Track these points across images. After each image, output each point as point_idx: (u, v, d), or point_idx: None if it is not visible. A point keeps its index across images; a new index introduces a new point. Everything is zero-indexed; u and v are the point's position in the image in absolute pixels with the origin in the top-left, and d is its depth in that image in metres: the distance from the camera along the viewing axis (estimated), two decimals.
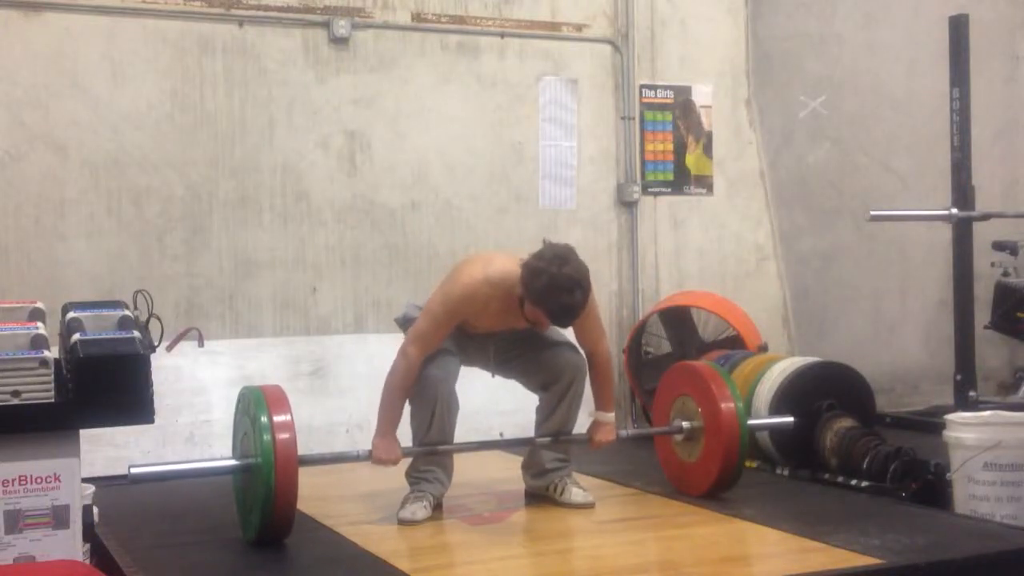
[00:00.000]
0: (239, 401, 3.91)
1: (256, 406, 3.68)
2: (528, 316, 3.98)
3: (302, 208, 5.76)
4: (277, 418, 3.63)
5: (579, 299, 3.82)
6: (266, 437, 3.59)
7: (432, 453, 4.16)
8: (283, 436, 3.60)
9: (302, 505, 4.28)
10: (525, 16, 6.23)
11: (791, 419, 4.61)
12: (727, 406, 4.20)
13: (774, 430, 4.82)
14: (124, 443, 5.04)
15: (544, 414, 4.32)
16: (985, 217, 6.08)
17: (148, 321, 3.25)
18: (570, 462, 4.38)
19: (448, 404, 4.12)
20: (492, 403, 5.38)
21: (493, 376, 4.37)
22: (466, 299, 3.99)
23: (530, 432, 4.37)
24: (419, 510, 4.03)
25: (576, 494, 4.27)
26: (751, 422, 4.38)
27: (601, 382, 4.30)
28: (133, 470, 3.66)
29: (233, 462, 3.87)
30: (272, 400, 3.70)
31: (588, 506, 4.24)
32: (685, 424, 4.35)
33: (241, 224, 5.65)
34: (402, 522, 3.99)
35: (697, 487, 4.32)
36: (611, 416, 4.33)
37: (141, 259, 5.46)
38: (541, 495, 4.33)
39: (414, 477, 4.20)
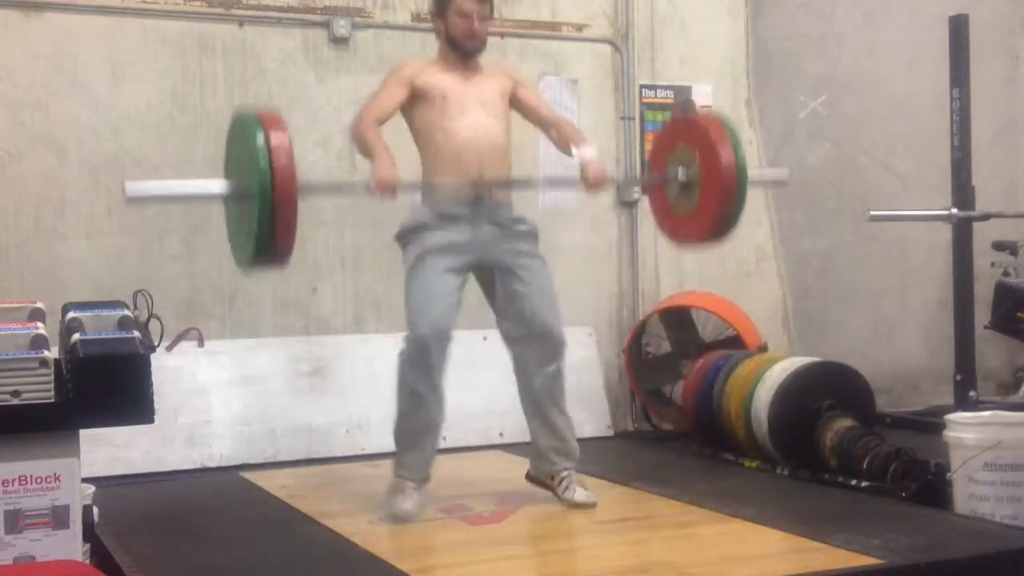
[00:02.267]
0: (231, 127, 3.79)
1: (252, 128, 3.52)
2: (452, 28, 4.13)
3: (302, 208, 5.72)
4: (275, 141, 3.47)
5: None
6: (262, 162, 3.43)
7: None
8: (281, 161, 3.45)
9: (302, 505, 4.31)
10: (525, 16, 6.23)
11: (786, 170, 4.43)
12: (727, 156, 3.99)
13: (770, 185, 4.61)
14: (124, 443, 5.04)
15: (525, 394, 4.28)
16: (985, 217, 6.08)
17: (148, 321, 3.25)
18: (574, 454, 4.36)
19: (437, 429, 4.12)
20: (492, 403, 5.38)
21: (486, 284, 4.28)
22: (403, 64, 4.18)
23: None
24: (404, 501, 4.04)
25: (579, 493, 4.27)
26: (750, 173, 4.14)
27: (557, 122, 4.32)
28: (129, 189, 3.54)
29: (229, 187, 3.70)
30: (269, 123, 3.53)
31: (589, 505, 4.23)
32: (681, 174, 4.13)
33: None
34: (394, 518, 4.00)
35: (689, 237, 4.27)
36: (591, 150, 4.23)
37: (141, 259, 5.46)
38: (541, 489, 4.32)
39: (398, 467, 4.18)
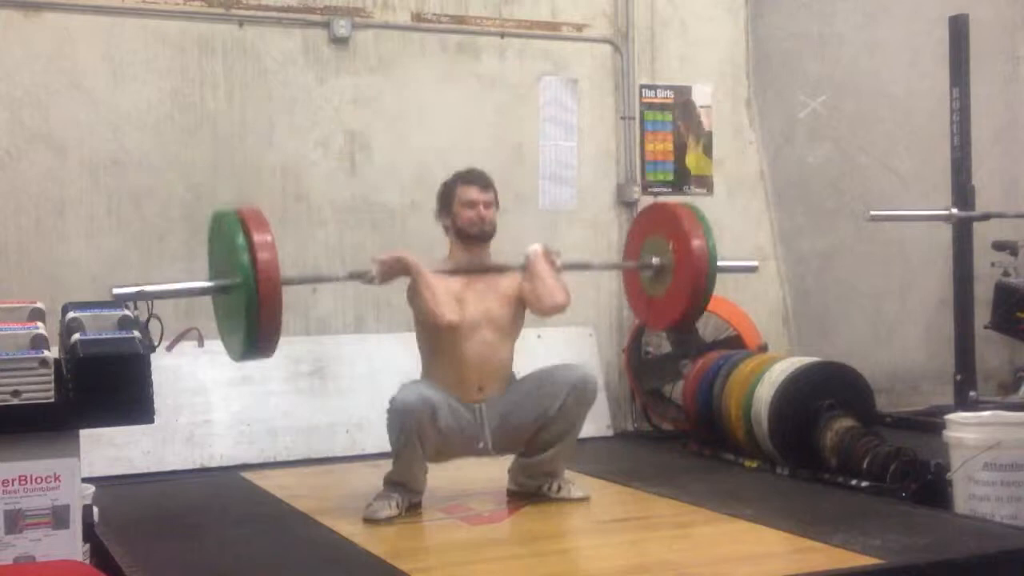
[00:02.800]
0: (213, 225, 3.86)
1: (235, 227, 3.62)
2: (460, 220, 4.20)
3: (302, 208, 5.76)
4: (258, 238, 3.59)
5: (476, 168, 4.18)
6: (245, 257, 3.55)
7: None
8: (264, 256, 3.57)
9: (301, 505, 4.31)
10: (525, 16, 6.23)
11: (755, 263, 4.99)
12: (698, 243, 4.28)
13: (740, 272, 5.03)
14: (124, 443, 5.04)
15: (543, 437, 4.26)
16: (985, 217, 6.08)
17: (148, 321, 3.25)
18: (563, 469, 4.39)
19: (422, 436, 4.05)
20: None
21: (493, 456, 4.30)
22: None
23: None
24: (382, 508, 4.04)
25: (573, 490, 4.29)
26: (720, 263, 4.39)
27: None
28: (116, 291, 3.59)
29: (211, 283, 3.82)
30: (252, 220, 3.65)
31: (584, 499, 4.26)
32: (655, 260, 4.41)
33: None
34: (366, 520, 4.00)
35: (662, 321, 4.52)
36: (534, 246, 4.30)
37: (141, 259, 5.46)
38: (533, 493, 4.33)
39: (386, 481, 4.19)
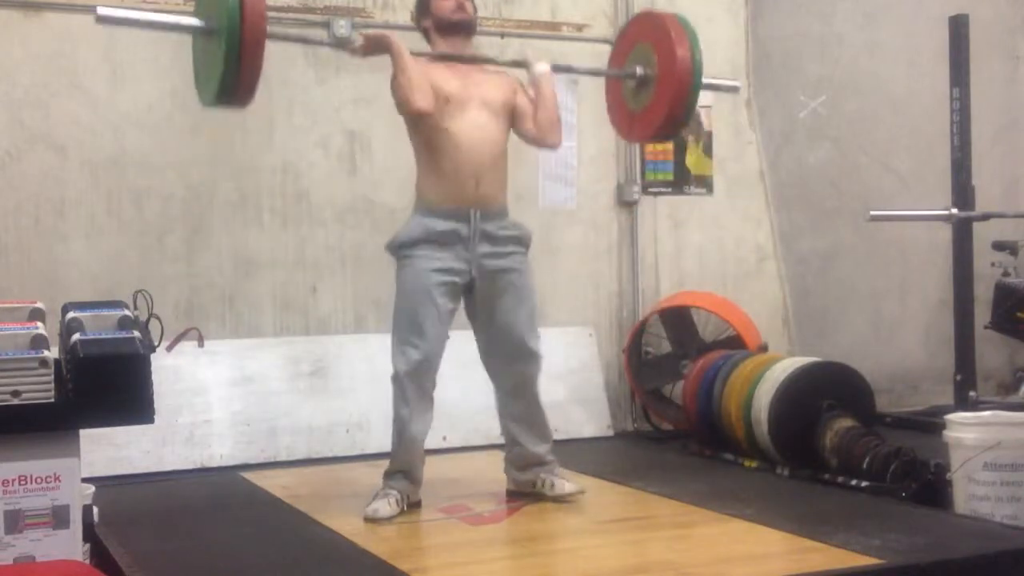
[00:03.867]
0: None
1: None
2: (440, 11, 4.16)
3: (302, 208, 5.76)
4: None
5: None
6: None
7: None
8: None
9: (302, 505, 4.31)
10: (525, 16, 6.23)
11: (738, 84, 4.89)
12: (683, 54, 4.18)
13: (723, 91, 4.91)
14: (124, 443, 5.04)
15: (509, 406, 4.33)
16: (985, 217, 6.09)
17: (148, 321, 3.25)
18: (555, 459, 4.39)
19: (421, 406, 4.13)
20: (492, 403, 5.37)
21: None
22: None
23: None
24: (382, 507, 4.04)
25: (567, 485, 4.30)
26: (704, 80, 4.33)
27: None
28: (100, 10, 3.59)
29: (197, 22, 3.74)
30: None
31: (579, 493, 4.26)
32: (639, 70, 4.32)
33: (241, 224, 5.64)
34: (367, 519, 4.00)
35: (640, 134, 4.48)
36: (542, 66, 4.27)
37: (141, 259, 5.46)
38: (529, 492, 4.33)
39: (385, 476, 4.19)
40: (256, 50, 3.58)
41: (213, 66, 3.66)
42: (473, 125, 4.13)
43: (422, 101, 4.02)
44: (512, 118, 4.26)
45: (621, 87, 4.49)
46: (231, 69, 3.56)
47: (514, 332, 4.22)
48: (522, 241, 4.29)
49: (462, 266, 4.13)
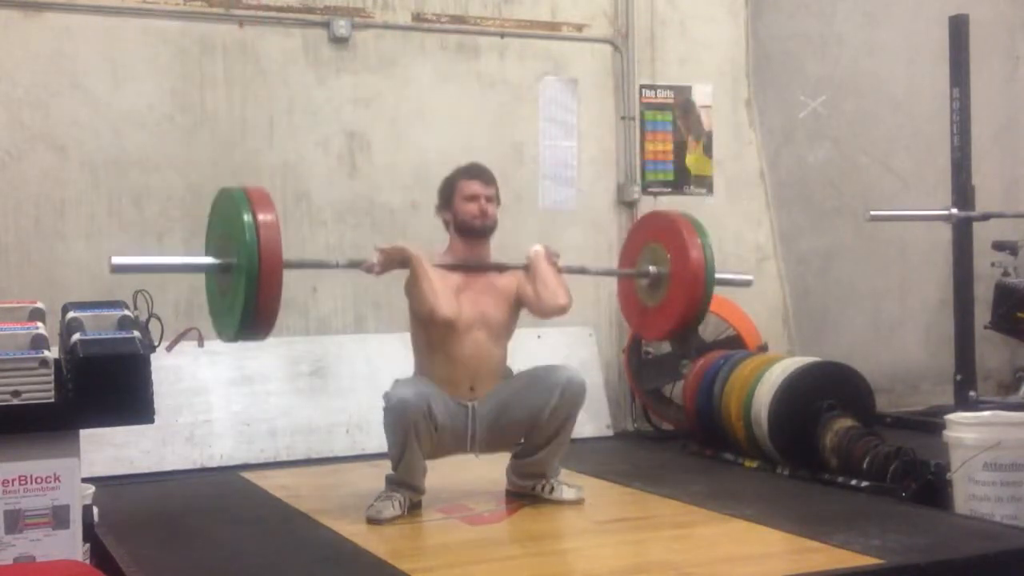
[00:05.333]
0: (217, 201, 3.83)
1: (241, 205, 3.59)
2: (462, 214, 4.18)
3: (302, 208, 5.76)
4: (263, 217, 3.57)
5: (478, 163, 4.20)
6: (249, 236, 3.52)
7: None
8: (268, 236, 3.54)
9: (302, 505, 4.31)
10: (525, 16, 6.23)
11: (750, 278, 4.91)
12: (696, 254, 4.24)
13: (736, 286, 4.91)
14: (124, 443, 5.05)
15: (533, 439, 4.25)
16: (985, 217, 6.09)
17: (148, 321, 3.25)
18: (559, 466, 4.38)
19: (419, 432, 4.03)
20: None
21: (477, 455, 4.29)
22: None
23: None
24: (385, 509, 4.03)
25: (567, 492, 4.29)
26: (717, 275, 4.36)
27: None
28: (115, 260, 3.61)
29: (213, 260, 3.75)
30: (257, 200, 3.62)
31: (578, 502, 4.25)
32: (652, 268, 4.38)
33: None
34: (369, 520, 3.99)
35: (657, 331, 4.48)
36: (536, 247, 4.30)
37: None
38: (528, 494, 4.33)
39: (388, 481, 4.19)
40: (274, 283, 3.58)
41: (231, 301, 3.67)
42: (474, 344, 4.19)
43: (446, 309, 4.07)
44: (518, 307, 4.32)
45: (634, 283, 4.55)
46: (250, 304, 3.56)
47: (526, 392, 4.19)
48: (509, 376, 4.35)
49: (459, 426, 4.19)
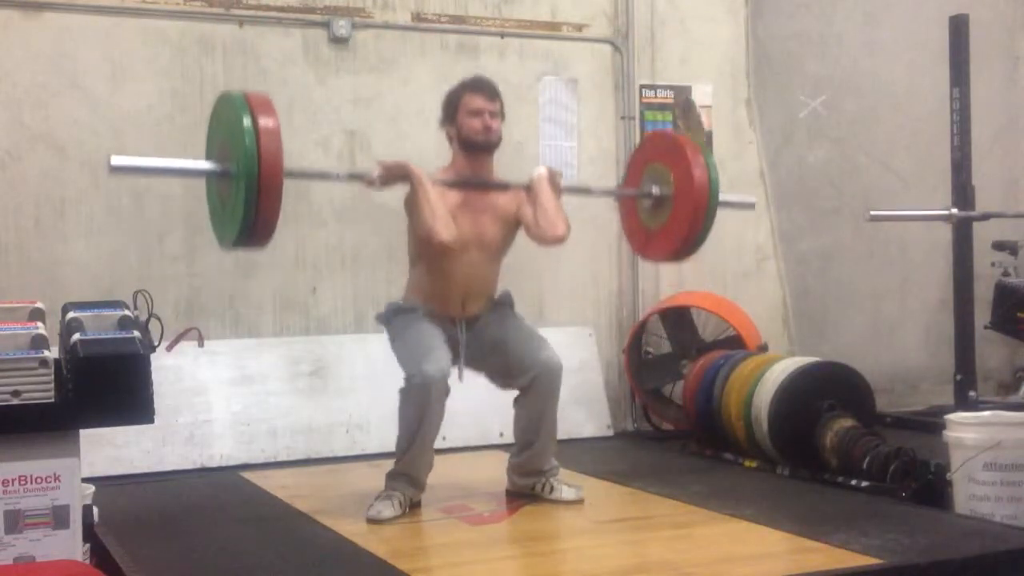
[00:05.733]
0: (218, 106, 3.77)
1: (242, 111, 3.53)
2: (465, 129, 4.15)
3: (302, 208, 5.75)
4: (263, 123, 3.50)
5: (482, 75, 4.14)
6: (250, 142, 3.46)
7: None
8: (269, 143, 3.48)
9: (302, 505, 4.31)
10: (525, 16, 6.23)
11: (753, 200, 4.91)
12: (700, 173, 4.19)
13: (739, 208, 4.88)
14: (124, 443, 5.05)
15: (522, 434, 4.29)
16: (985, 217, 6.08)
17: (148, 321, 3.25)
18: (557, 464, 4.39)
19: (437, 414, 4.05)
20: (492, 403, 5.37)
21: (460, 378, 4.25)
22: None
23: None
24: (385, 508, 4.03)
25: (566, 491, 4.29)
26: (721, 198, 4.31)
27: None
28: (114, 160, 3.56)
29: (213, 166, 3.69)
30: (259, 105, 3.55)
31: (578, 502, 4.25)
32: (655, 189, 4.34)
33: None
34: (369, 520, 3.99)
35: (660, 252, 4.45)
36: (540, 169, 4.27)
37: (141, 259, 5.46)
38: (528, 494, 4.33)
39: (388, 478, 4.19)
40: (274, 193, 3.53)
41: (231, 209, 3.63)
42: (469, 264, 4.19)
43: (445, 233, 4.05)
44: (515, 226, 4.31)
45: (637, 204, 4.51)
46: (250, 212, 3.52)
47: (511, 351, 4.22)
48: (502, 305, 4.34)
49: (453, 340, 4.19)
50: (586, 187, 4.60)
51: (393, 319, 4.25)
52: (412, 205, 4.12)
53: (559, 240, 4.19)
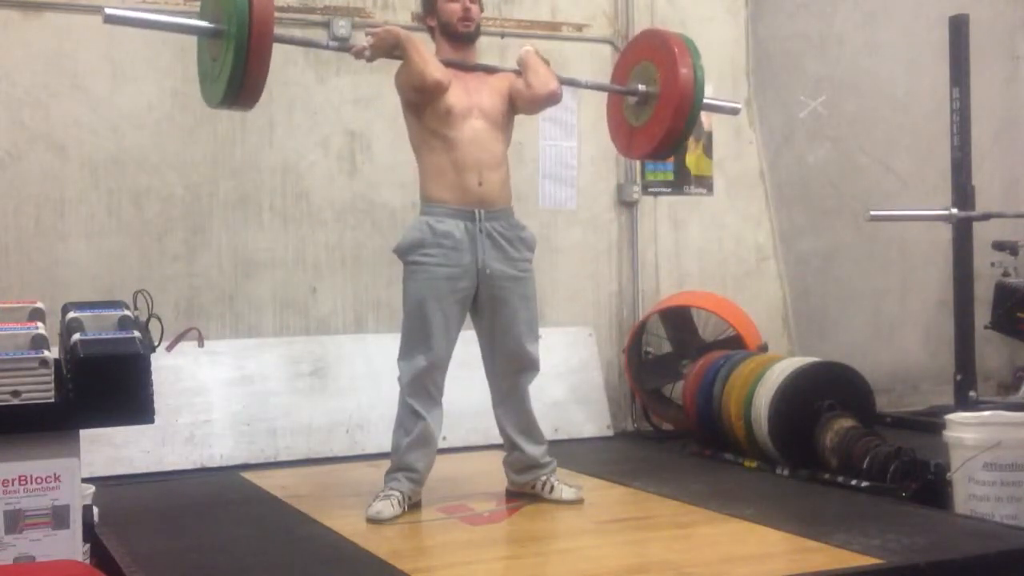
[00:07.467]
0: None
1: None
2: (445, 16, 4.13)
3: (302, 208, 5.76)
4: None
5: None
6: (240, 2, 3.49)
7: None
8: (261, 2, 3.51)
9: (302, 505, 4.31)
10: (525, 16, 6.24)
11: (739, 105, 4.94)
12: (685, 72, 4.23)
13: (723, 112, 4.91)
14: (124, 443, 5.05)
15: (508, 412, 4.33)
16: (985, 217, 6.09)
17: (148, 321, 3.25)
18: (553, 460, 4.39)
19: (432, 446, 4.16)
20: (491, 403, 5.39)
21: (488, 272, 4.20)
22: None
23: None
24: (385, 508, 4.03)
25: (566, 492, 4.29)
26: (705, 100, 4.39)
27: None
28: (108, 10, 3.59)
29: (207, 24, 3.73)
30: None
31: (578, 502, 4.26)
32: (641, 87, 4.38)
33: (241, 224, 5.65)
34: (369, 520, 4.00)
35: (639, 150, 4.51)
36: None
37: (141, 259, 5.46)
38: (528, 493, 4.34)
39: (387, 477, 4.20)
40: (264, 53, 3.59)
41: (219, 68, 3.68)
42: (473, 130, 4.15)
43: (438, 73, 4.04)
44: (512, 107, 4.29)
45: (622, 103, 4.53)
46: (238, 71, 3.57)
47: (514, 338, 4.23)
48: (528, 244, 4.29)
49: (469, 268, 4.12)
50: (572, 79, 4.63)
51: (406, 267, 4.18)
52: (403, 68, 4.10)
53: (553, 95, 4.21)
